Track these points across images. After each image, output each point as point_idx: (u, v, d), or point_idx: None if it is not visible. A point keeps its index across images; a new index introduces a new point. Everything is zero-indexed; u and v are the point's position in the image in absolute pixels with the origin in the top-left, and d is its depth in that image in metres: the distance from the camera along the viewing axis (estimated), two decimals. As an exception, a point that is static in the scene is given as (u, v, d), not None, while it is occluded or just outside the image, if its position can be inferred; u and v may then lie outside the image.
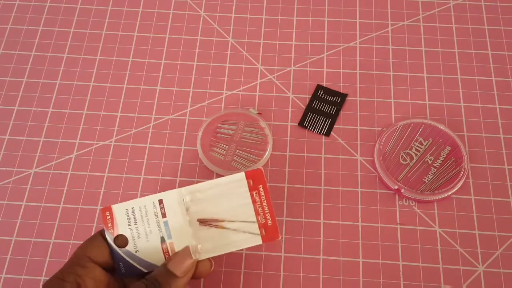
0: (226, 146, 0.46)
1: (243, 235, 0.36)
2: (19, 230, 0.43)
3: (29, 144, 0.47)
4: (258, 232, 0.36)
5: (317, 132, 0.47)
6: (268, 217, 0.36)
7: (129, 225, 0.35)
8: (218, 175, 0.45)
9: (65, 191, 0.45)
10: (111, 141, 0.47)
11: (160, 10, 0.53)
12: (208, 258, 0.35)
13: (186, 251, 0.34)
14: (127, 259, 0.35)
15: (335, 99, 0.48)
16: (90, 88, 0.49)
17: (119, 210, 0.35)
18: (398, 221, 0.43)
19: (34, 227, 0.43)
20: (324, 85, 0.49)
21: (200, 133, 0.46)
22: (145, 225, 0.35)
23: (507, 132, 0.46)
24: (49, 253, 0.42)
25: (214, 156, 0.45)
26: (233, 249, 0.36)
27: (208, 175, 0.45)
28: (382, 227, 0.42)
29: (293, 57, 0.50)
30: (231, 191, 0.36)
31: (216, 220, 0.36)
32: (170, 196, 0.36)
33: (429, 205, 0.43)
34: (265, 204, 0.36)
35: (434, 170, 0.44)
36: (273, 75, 0.50)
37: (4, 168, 0.46)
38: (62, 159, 0.46)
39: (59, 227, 0.43)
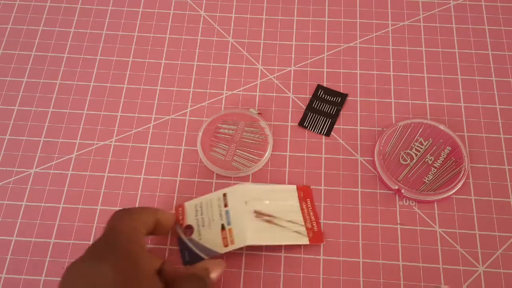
0: (226, 146, 0.46)
1: (292, 233, 0.41)
2: (19, 230, 0.43)
3: (29, 144, 0.47)
4: (306, 233, 0.41)
5: (317, 132, 0.47)
6: (314, 224, 0.42)
7: (196, 216, 0.41)
8: (219, 176, 0.45)
9: (65, 191, 0.45)
10: (111, 141, 0.47)
11: (160, 10, 0.53)
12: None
13: (219, 262, 0.38)
14: (192, 247, 0.39)
15: (335, 99, 0.48)
16: (90, 88, 0.49)
17: (190, 205, 0.42)
18: (398, 221, 0.43)
19: (34, 227, 0.43)
20: (324, 85, 0.49)
21: (200, 133, 0.46)
22: (209, 214, 0.41)
23: (507, 132, 0.46)
24: (49, 253, 0.42)
25: (214, 156, 0.45)
26: (280, 243, 0.41)
27: (208, 175, 0.45)
28: (382, 227, 0.42)
29: (293, 57, 0.50)
30: (284, 196, 0.42)
31: (270, 216, 0.41)
32: (234, 190, 0.41)
33: (429, 205, 0.43)
34: (311, 214, 0.42)
35: (434, 170, 0.44)
36: (273, 75, 0.50)
37: (4, 168, 0.46)
38: (62, 159, 0.46)
39: (59, 227, 0.43)
